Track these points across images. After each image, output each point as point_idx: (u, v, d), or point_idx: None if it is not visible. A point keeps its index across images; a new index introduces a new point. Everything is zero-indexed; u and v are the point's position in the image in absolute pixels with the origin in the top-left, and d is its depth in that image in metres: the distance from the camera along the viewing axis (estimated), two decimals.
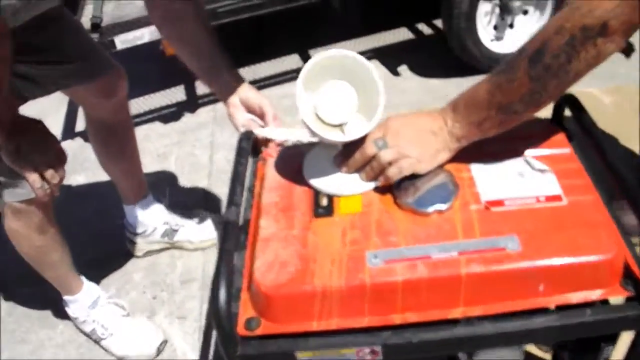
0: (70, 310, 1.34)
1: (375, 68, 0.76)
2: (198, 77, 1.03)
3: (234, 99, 0.97)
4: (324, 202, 0.79)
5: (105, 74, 1.23)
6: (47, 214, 1.10)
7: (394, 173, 0.76)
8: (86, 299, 1.31)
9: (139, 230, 1.50)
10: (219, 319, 0.68)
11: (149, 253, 1.56)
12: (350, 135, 0.78)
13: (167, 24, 0.98)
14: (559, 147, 0.83)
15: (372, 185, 0.79)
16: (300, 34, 2.35)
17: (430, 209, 0.73)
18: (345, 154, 0.79)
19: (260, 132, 0.93)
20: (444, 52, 2.01)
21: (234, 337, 0.69)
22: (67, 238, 1.61)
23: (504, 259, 0.67)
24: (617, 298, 0.69)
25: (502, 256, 0.67)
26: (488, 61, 1.90)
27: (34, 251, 1.15)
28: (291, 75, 2.20)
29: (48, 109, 2.03)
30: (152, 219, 1.49)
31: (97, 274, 1.57)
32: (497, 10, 1.79)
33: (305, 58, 2.28)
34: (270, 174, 0.87)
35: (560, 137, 0.85)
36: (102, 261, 1.60)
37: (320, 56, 0.76)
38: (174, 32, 0.97)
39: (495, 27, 1.84)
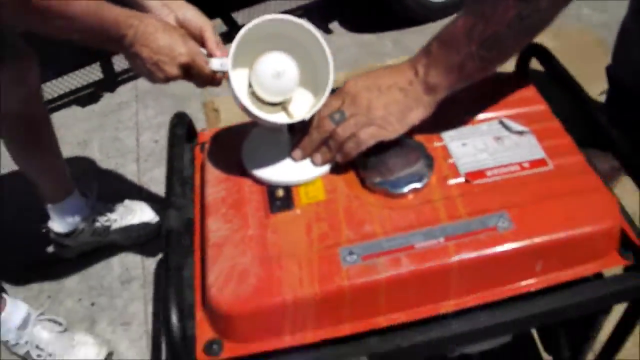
0: None
1: (321, 33, 0.64)
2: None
3: (167, 20, 0.76)
4: (280, 193, 0.67)
5: (14, 58, 1.03)
6: None
7: (351, 148, 0.65)
8: (13, 319, 1.14)
9: (66, 231, 1.33)
10: (174, 351, 0.57)
11: (81, 255, 1.40)
12: (296, 115, 0.66)
13: None
14: (533, 104, 0.75)
15: (328, 166, 0.68)
16: None
17: (406, 189, 0.64)
18: (298, 138, 0.67)
19: (214, 65, 0.73)
20: (377, 4, 1.90)
21: None
22: None
23: (497, 240, 0.58)
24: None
25: (494, 237, 0.59)
26: (423, 11, 1.81)
27: None
28: None
29: None
30: (79, 217, 1.32)
31: (24, 286, 1.39)
32: None
33: (229, 21, 2.09)
34: (212, 162, 0.74)
35: (532, 92, 0.77)
36: (29, 271, 1.42)
37: (252, 24, 0.63)
38: None
39: None
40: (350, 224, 0.62)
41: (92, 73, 1.95)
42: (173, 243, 0.63)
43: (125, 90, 1.88)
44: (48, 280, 1.38)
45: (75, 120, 1.82)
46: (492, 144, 0.69)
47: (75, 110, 1.86)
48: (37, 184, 1.25)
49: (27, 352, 1.16)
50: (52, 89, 1.93)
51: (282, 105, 0.67)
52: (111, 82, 1.90)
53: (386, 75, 0.66)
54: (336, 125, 0.64)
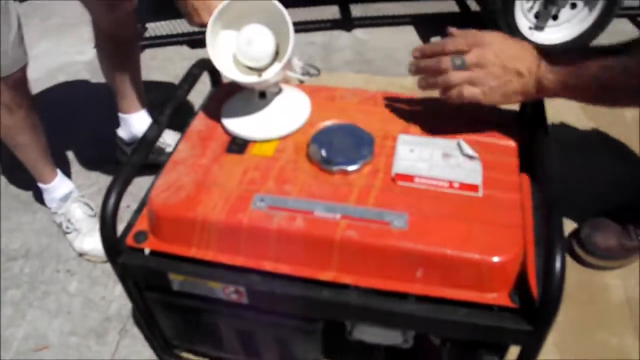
0: (45, 199, 1.40)
1: (287, 12, 0.72)
2: None
3: None
4: (241, 141, 0.78)
5: None
6: (17, 93, 1.12)
7: (452, 94, 0.72)
8: (58, 190, 1.36)
9: (129, 140, 1.54)
10: (103, 226, 0.70)
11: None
12: (263, 77, 0.75)
13: None
14: (503, 139, 0.78)
15: (287, 131, 0.77)
16: None
17: (335, 169, 0.71)
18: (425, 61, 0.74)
19: None
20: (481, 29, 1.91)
21: (116, 243, 0.71)
22: (68, 136, 1.69)
23: (384, 234, 0.64)
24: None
25: (383, 230, 0.65)
26: None
27: (2, 130, 1.19)
28: (323, 25, 2.16)
29: (81, 19, 2.08)
30: (142, 131, 1.51)
31: (84, 174, 1.64)
32: None
33: (345, 10, 2.22)
34: (208, 103, 0.87)
35: (510, 128, 0.80)
36: (92, 163, 1.66)
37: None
38: None
39: (537, 16, 1.72)
40: (277, 180, 0.71)
41: None
42: (141, 146, 0.76)
43: None
44: (103, 175, 1.61)
45: (180, 57, 2.05)
46: (437, 158, 0.73)
47: (183, 49, 2.10)
48: (115, 94, 1.46)
49: (61, 223, 1.38)
50: (172, 27, 2.19)
51: (259, 72, 0.77)
52: None
53: (515, 54, 0.71)
54: (453, 67, 0.71)
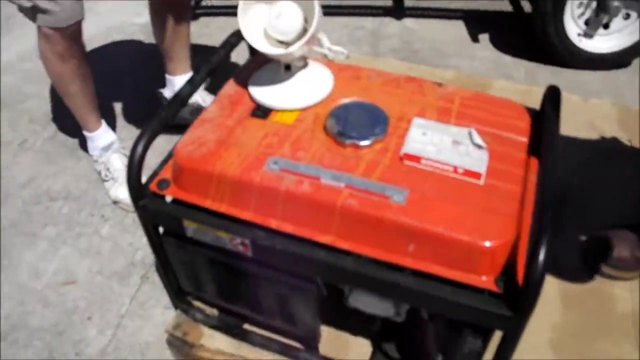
0: (88, 147, 1.50)
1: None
2: None
3: None
4: (265, 108, 0.83)
5: None
6: (71, 44, 1.21)
7: None
8: (101, 139, 1.46)
9: None
10: (130, 170, 0.76)
11: (178, 126, 1.68)
12: (288, 49, 0.79)
13: None
14: (516, 133, 0.80)
15: (307, 103, 0.81)
16: None
17: (348, 142, 0.75)
18: None
19: None
20: (531, 33, 1.90)
21: (139, 188, 0.78)
22: (117, 91, 1.78)
23: (382, 207, 0.68)
24: None
25: (382, 203, 0.68)
26: (569, 55, 1.76)
27: (55, 77, 1.29)
28: (375, 11, 2.19)
29: None
30: None
31: (128, 129, 1.74)
32: (594, 4, 1.63)
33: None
34: (242, 71, 0.92)
35: (525, 124, 0.82)
36: (138, 119, 1.75)
37: None
38: None
39: (587, 23, 1.69)
40: (293, 146, 0.76)
41: None
42: (173, 103, 0.82)
43: None
44: None
45: (232, 27, 2.11)
46: (447, 144, 0.76)
47: (236, 20, 2.17)
48: (163, 56, 1.54)
49: (100, 171, 1.48)
50: None
51: (286, 46, 0.81)
52: None
53: None
54: None
